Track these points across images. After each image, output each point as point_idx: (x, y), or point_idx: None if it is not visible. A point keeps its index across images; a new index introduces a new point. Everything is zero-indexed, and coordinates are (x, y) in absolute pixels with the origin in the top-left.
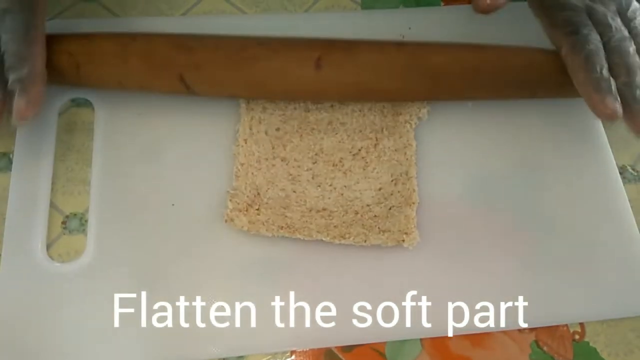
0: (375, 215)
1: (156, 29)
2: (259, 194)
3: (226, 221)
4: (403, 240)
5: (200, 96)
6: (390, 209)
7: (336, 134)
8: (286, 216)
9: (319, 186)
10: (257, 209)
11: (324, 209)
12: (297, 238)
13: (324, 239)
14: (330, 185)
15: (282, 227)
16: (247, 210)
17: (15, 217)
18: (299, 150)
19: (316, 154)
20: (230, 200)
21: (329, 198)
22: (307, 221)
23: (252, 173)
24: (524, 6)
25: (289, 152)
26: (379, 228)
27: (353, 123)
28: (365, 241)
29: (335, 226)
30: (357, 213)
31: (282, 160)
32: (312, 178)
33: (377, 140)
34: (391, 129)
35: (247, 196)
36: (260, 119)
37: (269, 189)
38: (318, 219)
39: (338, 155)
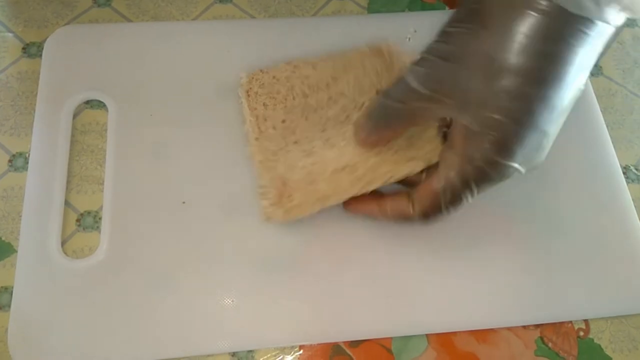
0: (396, 150)
1: (168, 33)
2: (284, 182)
3: (265, 220)
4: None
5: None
6: (409, 138)
7: (337, 103)
8: (316, 189)
9: (334, 146)
10: (289, 196)
11: (346, 165)
12: (331, 207)
13: (354, 194)
14: (344, 140)
15: (315, 201)
16: (280, 202)
17: (31, 214)
18: (308, 129)
19: (324, 124)
20: (262, 198)
21: (347, 152)
22: (335, 184)
23: (272, 166)
24: None
25: (299, 134)
26: (404, 159)
27: (351, 90)
28: (392, 177)
29: (361, 177)
30: (378, 154)
31: (294, 143)
32: (325, 142)
33: (377, 91)
34: (388, 80)
35: (275, 188)
36: (265, 116)
37: (292, 173)
38: (344, 176)
39: (344, 114)
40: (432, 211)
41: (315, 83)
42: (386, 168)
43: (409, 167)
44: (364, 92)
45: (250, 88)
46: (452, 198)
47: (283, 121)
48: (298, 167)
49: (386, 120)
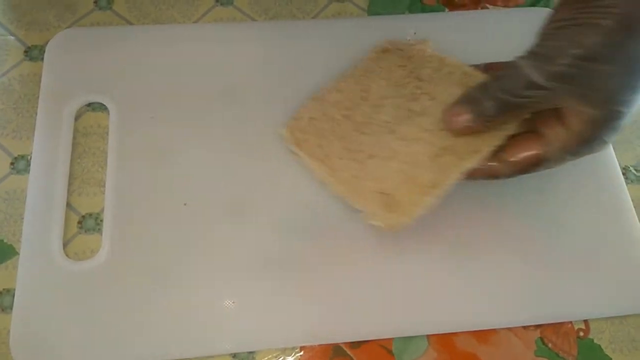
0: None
1: (169, 36)
2: (381, 192)
3: (391, 230)
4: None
5: None
6: None
7: (384, 106)
8: (419, 181)
9: (419, 140)
10: (395, 202)
11: (444, 147)
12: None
13: (459, 175)
14: (424, 131)
15: (424, 192)
16: (390, 211)
17: (33, 217)
18: (373, 139)
19: (386, 127)
20: (371, 220)
21: (437, 138)
22: (438, 168)
23: (361, 186)
24: (526, 12)
25: (368, 148)
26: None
27: (389, 90)
28: (490, 146)
29: (462, 156)
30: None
31: (370, 158)
32: (402, 140)
33: (419, 93)
34: (418, 67)
35: (376, 203)
36: (327, 154)
37: (384, 181)
38: (446, 158)
39: (403, 111)
40: (521, 173)
41: (350, 103)
42: (482, 140)
43: (504, 131)
44: (404, 86)
45: (296, 138)
46: (551, 166)
47: (345, 148)
48: (390, 173)
49: (501, 112)
